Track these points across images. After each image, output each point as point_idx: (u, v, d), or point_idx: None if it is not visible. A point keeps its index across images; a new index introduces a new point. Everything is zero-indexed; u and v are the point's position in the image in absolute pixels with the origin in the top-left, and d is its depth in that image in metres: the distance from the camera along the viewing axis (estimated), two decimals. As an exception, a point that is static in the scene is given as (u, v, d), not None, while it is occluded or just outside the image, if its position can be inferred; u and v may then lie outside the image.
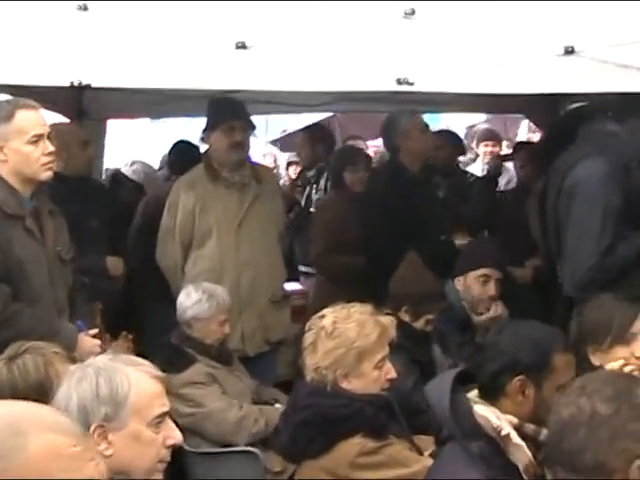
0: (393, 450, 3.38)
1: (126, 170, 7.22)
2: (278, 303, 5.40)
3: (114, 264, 5.50)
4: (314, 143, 7.44)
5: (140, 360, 2.52)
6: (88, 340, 3.95)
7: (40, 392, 2.69)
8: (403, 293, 4.57)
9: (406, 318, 4.49)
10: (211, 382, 4.73)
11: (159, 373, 2.47)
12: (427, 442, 3.78)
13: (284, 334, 5.47)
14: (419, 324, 4.51)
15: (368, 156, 6.98)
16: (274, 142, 12.31)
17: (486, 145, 8.72)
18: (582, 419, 2.12)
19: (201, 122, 5.79)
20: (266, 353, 5.37)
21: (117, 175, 6.89)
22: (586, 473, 2.12)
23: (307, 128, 7.86)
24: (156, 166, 8.51)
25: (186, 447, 4.49)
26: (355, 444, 3.32)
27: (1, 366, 3.08)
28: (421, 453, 3.57)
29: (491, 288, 4.83)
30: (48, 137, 3.98)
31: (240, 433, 4.66)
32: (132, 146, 9.75)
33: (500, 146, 9.17)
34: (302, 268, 6.99)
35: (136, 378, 2.39)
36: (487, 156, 8.69)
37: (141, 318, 5.74)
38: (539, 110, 6.84)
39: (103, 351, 3.75)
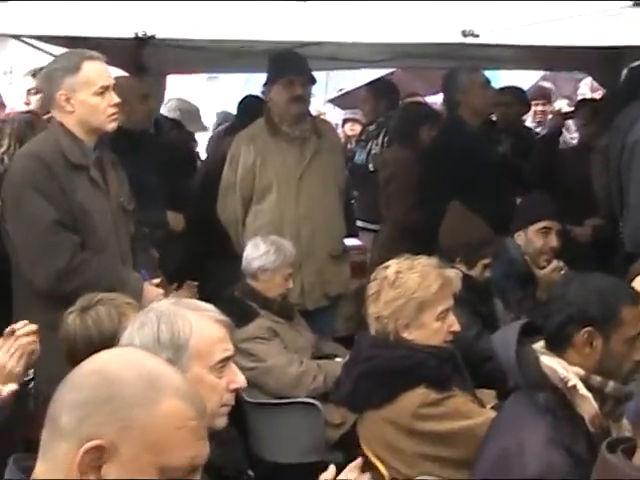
0: (456, 402, 3.36)
1: (163, 110, 7.11)
2: (338, 257, 5.39)
3: (175, 219, 5.53)
4: (378, 98, 7.34)
5: (203, 304, 2.44)
6: (153, 289, 3.96)
7: (114, 343, 2.70)
8: (454, 244, 4.57)
9: (462, 268, 4.48)
10: (273, 337, 4.75)
11: (223, 317, 2.38)
12: (489, 396, 3.79)
13: (343, 289, 5.46)
14: (476, 271, 4.50)
15: (439, 112, 6.90)
16: (331, 101, 12.21)
17: (536, 104, 8.50)
18: None
19: (258, 81, 5.78)
20: (326, 307, 5.38)
21: (158, 119, 6.81)
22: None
23: (371, 83, 7.72)
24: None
25: (247, 398, 4.53)
26: (418, 395, 3.32)
27: (74, 317, 3.12)
28: (483, 406, 3.55)
29: (553, 240, 4.83)
30: (113, 88, 4.00)
31: (299, 388, 4.67)
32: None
33: (550, 104, 8.99)
34: (359, 223, 6.93)
35: (198, 322, 2.32)
36: (538, 115, 8.57)
37: (200, 272, 5.76)
38: (601, 67, 6.74)
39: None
